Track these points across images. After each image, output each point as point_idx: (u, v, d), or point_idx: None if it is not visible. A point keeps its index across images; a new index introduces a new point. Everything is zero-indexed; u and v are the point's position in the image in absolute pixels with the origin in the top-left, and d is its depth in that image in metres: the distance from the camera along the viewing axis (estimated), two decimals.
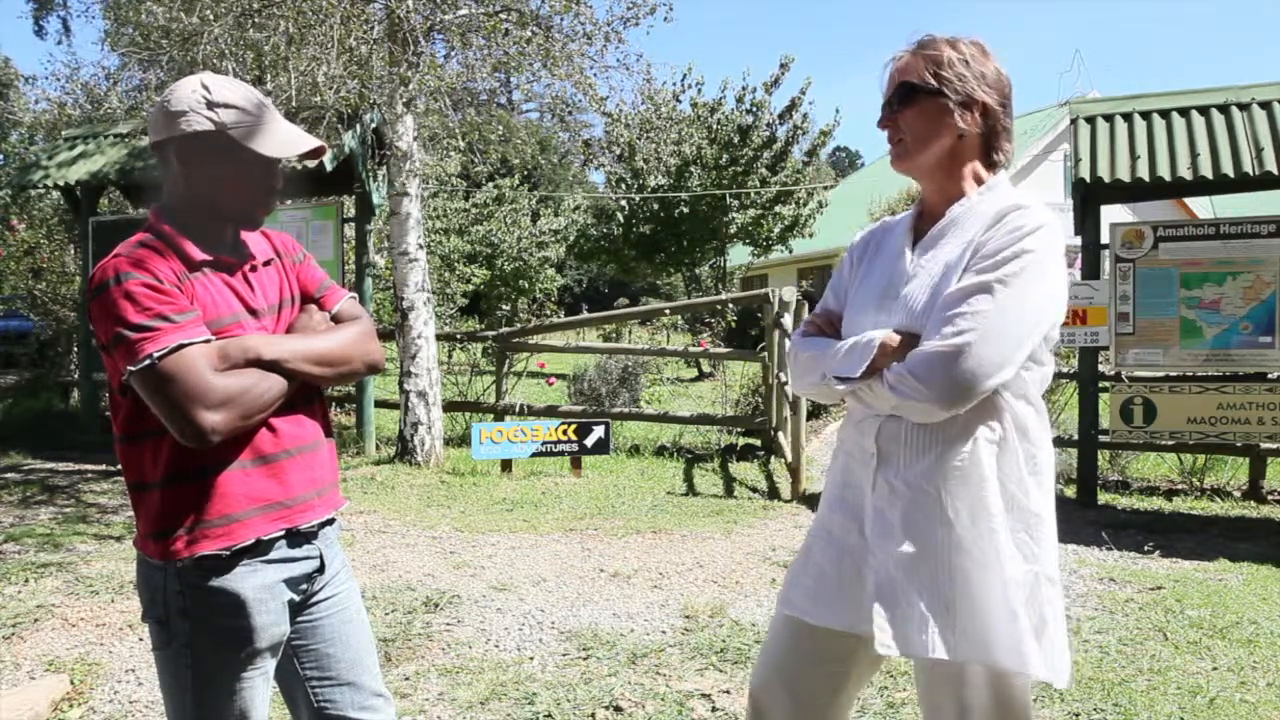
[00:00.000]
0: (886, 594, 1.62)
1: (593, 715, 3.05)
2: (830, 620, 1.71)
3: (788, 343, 7.13)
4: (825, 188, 22.00)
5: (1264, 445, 6.22)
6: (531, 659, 3.55)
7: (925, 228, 1.73)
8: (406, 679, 3.34)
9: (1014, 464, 1.61)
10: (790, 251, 20.78)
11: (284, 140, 1.65)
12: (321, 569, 1.73)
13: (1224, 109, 6.05)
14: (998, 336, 1.53)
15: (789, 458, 7.00)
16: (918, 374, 1.55)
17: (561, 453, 7.39)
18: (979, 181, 1.70)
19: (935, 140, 1.67)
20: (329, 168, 7.65)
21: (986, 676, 1.59)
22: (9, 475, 7.31)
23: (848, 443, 1.76)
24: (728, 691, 3.21)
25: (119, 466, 1.65)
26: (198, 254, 1.60)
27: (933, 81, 1.65)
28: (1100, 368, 6.42)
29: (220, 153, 1.60)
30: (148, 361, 1.48)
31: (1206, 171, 5.74)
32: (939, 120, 1.66)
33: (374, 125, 8.20)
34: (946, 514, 1.58)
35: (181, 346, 1.49)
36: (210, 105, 1.59)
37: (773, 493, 6.83)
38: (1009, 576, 1.56)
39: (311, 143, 1.69)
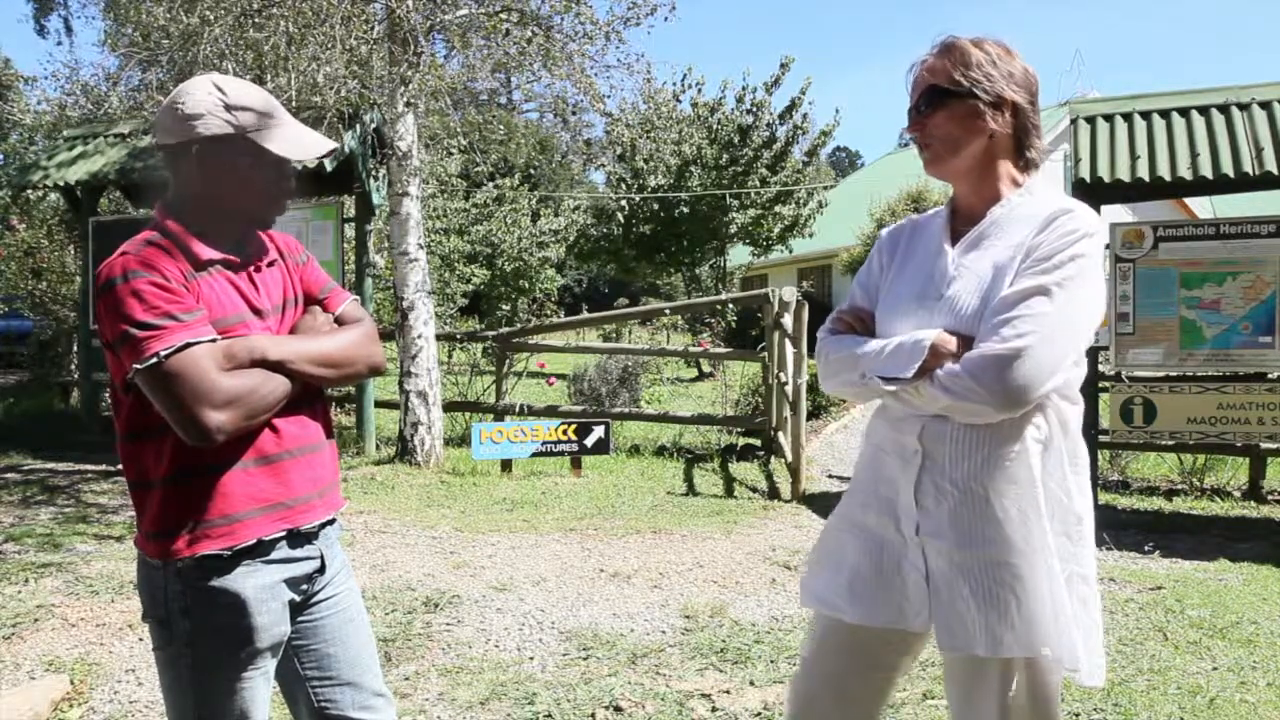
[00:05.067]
0: (940, 592, 1.62)
1: (593, 715, 3.05)
2: (871, 618, 1.69)
3: (788, 343, 7.18)
4: (825, 188, 22.02)
5: (1264, 445, 6.22)
6: (531, 659, 3.55)
7: (961, 228, 1.72)
8: (406, 679, 3.34)
9: (1058, 463, 1.61)
10: (790, 251, 20.78)
11: (301, 143, 1.66)
12: (322, 569, 1.73)
13: (1224, 109, 6.05)
14: (1055, 339, 1.52)
15: (789, 458, 7.00)
16: (976, 375, 1.53)
17: (561, 453, 7.39)
18: (1013, 181, 1.70)
19: (968, 142, 1.66)
20: (329, 168, 7.65)
21: (1027, 671, 1.61)
22: (9, 475, 7.31)
23: (881, 440, 1.74)
24: (728, 691, 3.21)
25: (119, 466, 1.65)
26: (204, 253, 1.60)
27: (962, 83, 1.64)
28: (1100, 368, 6.42)
29: (238, 155, 1.60)
30: (154, 360, 1.48)
31: (1206, 171, 5.74)
32: (970, 122, 1.65)
33: (374, 125, 8.20)
34: (995, 513, 1.58)
35: (188, 345, 1.49)
36: (228, 108, 1.59)
37: (773, 493, 6.83)
38: (1055, 575, 1.57)
39: (328, 145, 1.69)
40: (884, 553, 1.69)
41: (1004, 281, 1.59)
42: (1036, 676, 1.61)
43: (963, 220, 1.73)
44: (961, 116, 1.65)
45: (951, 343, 1.59)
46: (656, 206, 18.43)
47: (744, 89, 18.38)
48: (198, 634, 1.58)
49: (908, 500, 1.66)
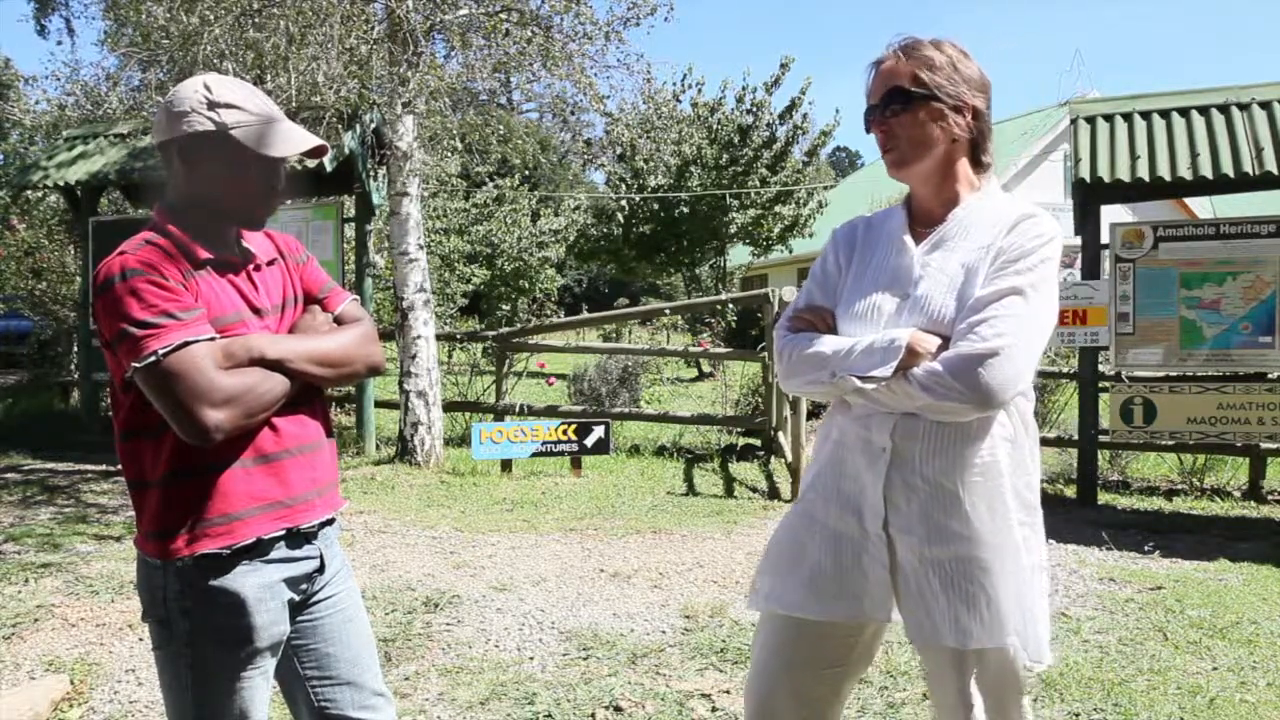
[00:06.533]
0: (910, 586, 1.66)
1: (593, 715, 3.05)
2: (832, 613, 1.71)
3: None
4: (825, 188, 22.03)
5: (1264, 445, 6.21)
6: (531, 659, 3.55)
7: (920, 228, 1.73)
8: (406, 679, 3.34)
9: (1022, 459, 1.66)
10: (790, 251, 20.77)
11: (285, 140, 1.65)
12: (321, 569, 1.73)
13: (1224, 109, 6.05)
14: (1030, 340, 1.56)
15: (789, 457, 7.00)
16: (956, 375, 1.55)
17: (561, 453, 7.39)
18: (970, 183, 1.72)
19: (932, 145, 1.67)
20: (329, 168, 7.64)
21: (997, 657, 1.66)
22: (9, 475, 7.31)
23: (845, 436, 1.74)
24: (728, 691, 3.22)
25: (119, 466, 1.65)
26: (202, 252, 1.61)
27: (927, 85, 1.65)
28: (1100, 368, 6.42)
29: (221, 153, 1.60)
30: (152, 358, 1.48)
31: (1206, 171, 5.74)
32: (935, 125, 1.66)
33: (374, 125, 8.19)
34: (965, 509, 1.61)
35: (186, 344, 1.49)
36: (211, 105, 1.59)
37: (773, 493, 6.83)
38: (1021, 568, 1.62)
39: (312, 141, 1.69)
40: (843, 548, 1.71)
41: (975, 282, 1.61)
42: (1005, 665, 1.66)
43: (920, 220, 1.75)
44: (927, 119, 1.66)
45: (929, 342, 1.60)
46: (656, 206, 18.44)
47: (744, 89, 18.39)
48: (197, 633, 1.58)
49: (875, 497, 1.67)
